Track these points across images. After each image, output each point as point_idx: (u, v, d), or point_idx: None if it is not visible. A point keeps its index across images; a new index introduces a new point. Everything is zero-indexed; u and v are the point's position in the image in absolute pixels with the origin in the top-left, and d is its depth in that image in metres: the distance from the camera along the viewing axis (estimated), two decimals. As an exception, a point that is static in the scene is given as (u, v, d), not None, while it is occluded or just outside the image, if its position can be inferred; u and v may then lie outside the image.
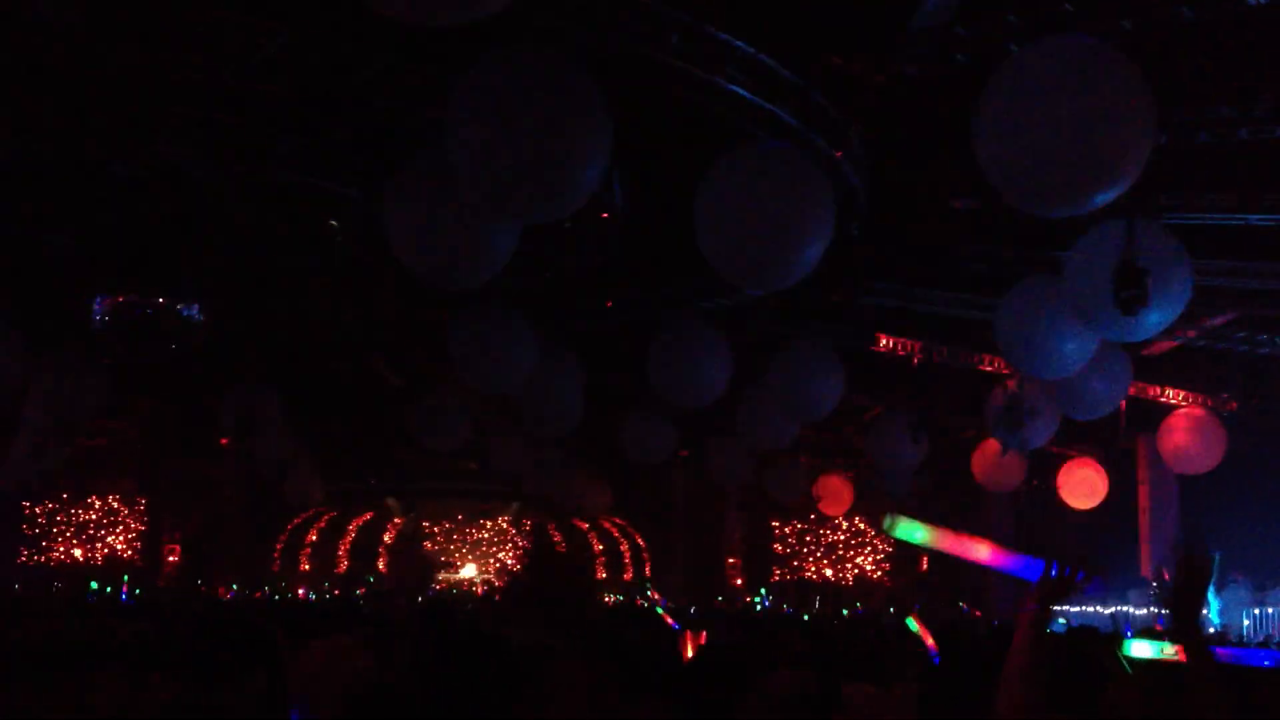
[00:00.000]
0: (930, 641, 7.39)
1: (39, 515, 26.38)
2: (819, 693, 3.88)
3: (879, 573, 27.13)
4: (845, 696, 4.50)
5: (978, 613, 20.02)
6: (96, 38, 8.30)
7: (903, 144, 9.62)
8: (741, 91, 8.37)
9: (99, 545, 26.77)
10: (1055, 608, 3.23)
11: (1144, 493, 20.60)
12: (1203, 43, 8.07)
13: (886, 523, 5.08)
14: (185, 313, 11.24)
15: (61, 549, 26.60)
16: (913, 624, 7.59)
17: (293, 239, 13.41)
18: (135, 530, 27.07)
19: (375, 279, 12.77)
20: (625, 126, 7.11)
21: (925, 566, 25.70)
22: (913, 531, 4.93)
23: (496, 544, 30.49)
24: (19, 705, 4.21)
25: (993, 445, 15.47)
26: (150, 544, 26.65)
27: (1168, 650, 5.37)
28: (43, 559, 26.16)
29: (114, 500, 26.88)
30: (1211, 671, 3.06)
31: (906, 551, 24.97)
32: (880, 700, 4.83)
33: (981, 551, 4.68)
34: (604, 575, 29.15)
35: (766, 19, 7.89)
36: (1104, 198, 6.25)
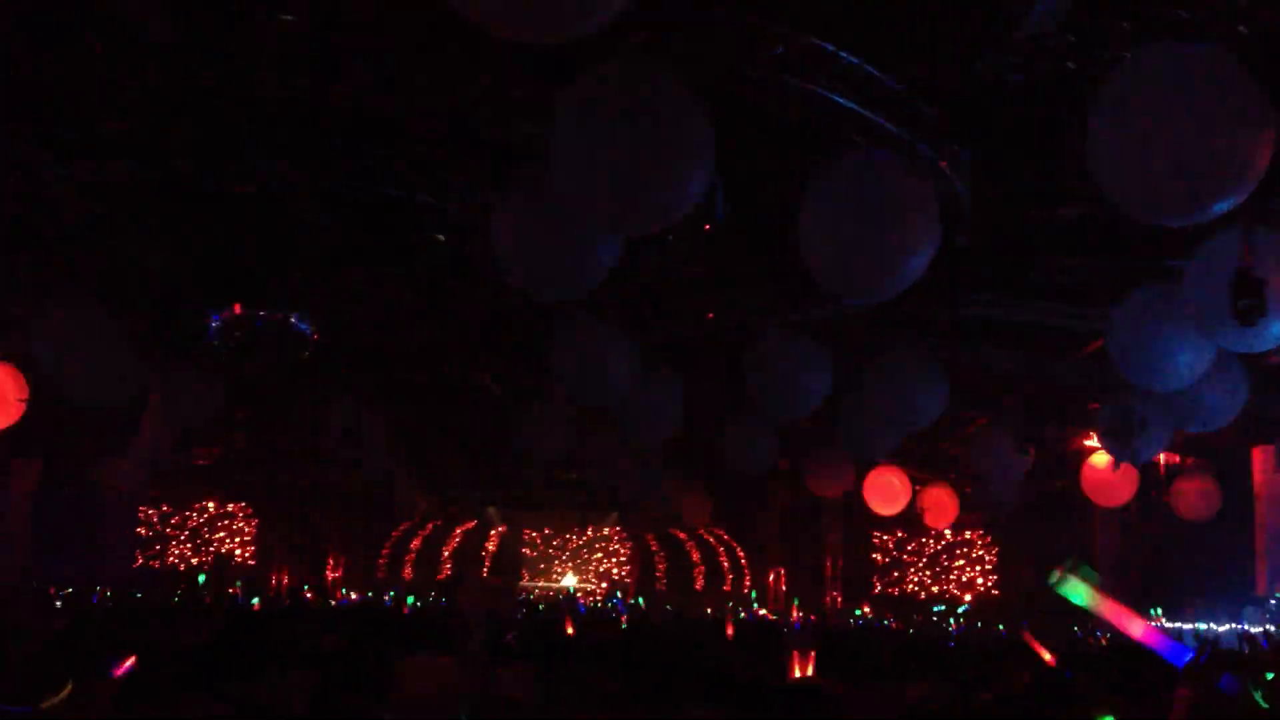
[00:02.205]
0: (1046, 655, 7.36)
1: (153, 518, 27.19)
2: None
3: (986, 585, 26.56)
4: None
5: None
6: (188, 55, 8.46)
7: (1010, 151, 9.45)
8: (844, 101, 8.31)
9: (211, 548, 27.53)
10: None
11: (1260, 507, 19.90)
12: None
13: (1053, 578, 5.10)
14: (296, 325, 11.53)
15: (176, 552, 27.39)
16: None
17: (391, 254, 13.66)
18: (248, 535, 27.80)
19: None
20: (727, 136, 7.10)
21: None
22: (1078, 593, 4.95)
23: (597, 551, 30.64)
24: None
25: (1103, 458, 15.08)
26: (261, 550, 27.33)
27: None
28: (155, 564, 26.95)
29: (230, 506, 27.66)
30: None
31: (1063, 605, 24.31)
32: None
33: (1136, 628, 4.78)
34: (702, 585, 29.09)
35: (870, 27, 7.82)
36: (1223, 206, 6.08)
